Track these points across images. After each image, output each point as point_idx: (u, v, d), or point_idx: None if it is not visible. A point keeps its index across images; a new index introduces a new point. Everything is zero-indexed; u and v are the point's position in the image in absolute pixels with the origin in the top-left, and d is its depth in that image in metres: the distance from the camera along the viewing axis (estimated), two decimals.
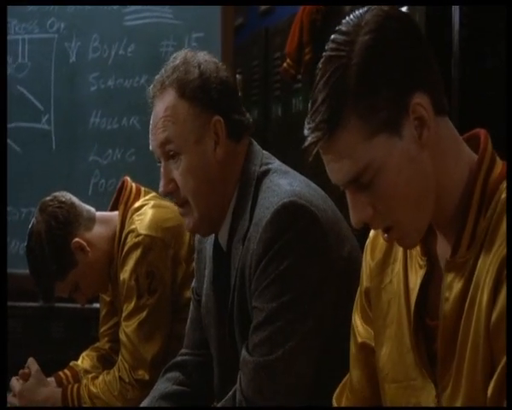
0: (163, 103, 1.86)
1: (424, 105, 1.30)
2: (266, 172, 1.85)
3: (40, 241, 2.44)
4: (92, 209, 2.55)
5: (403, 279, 1.43)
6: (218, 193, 1.86)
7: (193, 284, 2.12)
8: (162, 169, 1.87)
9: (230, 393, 1.79)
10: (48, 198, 2.51)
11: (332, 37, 1.33)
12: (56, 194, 2.52)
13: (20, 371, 2.55)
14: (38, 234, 2.44)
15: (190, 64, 1.88)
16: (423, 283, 1.38)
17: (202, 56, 1.91)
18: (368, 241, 1.54)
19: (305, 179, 1.87)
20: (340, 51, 1.30)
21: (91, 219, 2.51)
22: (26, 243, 2.50)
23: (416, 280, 1.40)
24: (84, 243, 2.46)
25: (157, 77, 1.91)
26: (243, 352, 1.76)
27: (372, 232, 1.54)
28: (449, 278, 1.33)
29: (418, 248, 1.40)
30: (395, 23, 1.32)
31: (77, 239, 2.45)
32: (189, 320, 2.13)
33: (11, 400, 2.52)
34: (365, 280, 1.53)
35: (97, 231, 2.50)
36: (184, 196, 1.85)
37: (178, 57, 1.90)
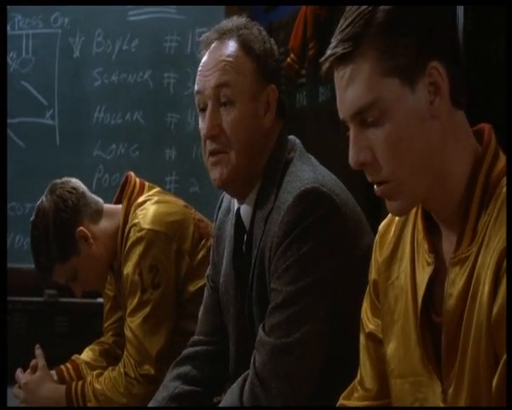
0: (224, 49, 1.86)
1: (441, 73, 1.32)
2: (292, 158, 1.87)
3: (46, 219, 2.42)
4: (100, 201, 2.54)
5: (410, 275, 1.44)
6: (257, 157, 1.86)
7: (207, 271, 2.13)
8: (209, 112, 1.84)
9: (240, 378, 1.80)
10: (59, 181, 2.50)
11: None
12: (68, 179, 2.51)
13: (31, 364, 2.54)
14: (45, 211, 2.43)
15: (254, 28, 1.89)
16: (430, 279, 1.39)
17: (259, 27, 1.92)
18: (377, 237, 1.56)
19: (326, 169, 1.89)
20: None
21: (99, 212, 2.50)
22: (31, 219, 2.47)
23: (423, 277, 1.40)
24: (89, 234, 2.45)
25: (213, 29, 1.90)
26: (260, 332, 1.77)
27: (381, 227, 1.55)
28: (452, 273, 1.34)
29: (425, 245, 1.41)
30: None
31: (82, 228, 2.44)
32: (202, 308, 2.13)
33: (16, 391, 2.52)
34: (374, 273, 1.55)
35: (103, 225, 2.49)
36: (226, 144, 1.84)
37: (238, 19, 1.91)
